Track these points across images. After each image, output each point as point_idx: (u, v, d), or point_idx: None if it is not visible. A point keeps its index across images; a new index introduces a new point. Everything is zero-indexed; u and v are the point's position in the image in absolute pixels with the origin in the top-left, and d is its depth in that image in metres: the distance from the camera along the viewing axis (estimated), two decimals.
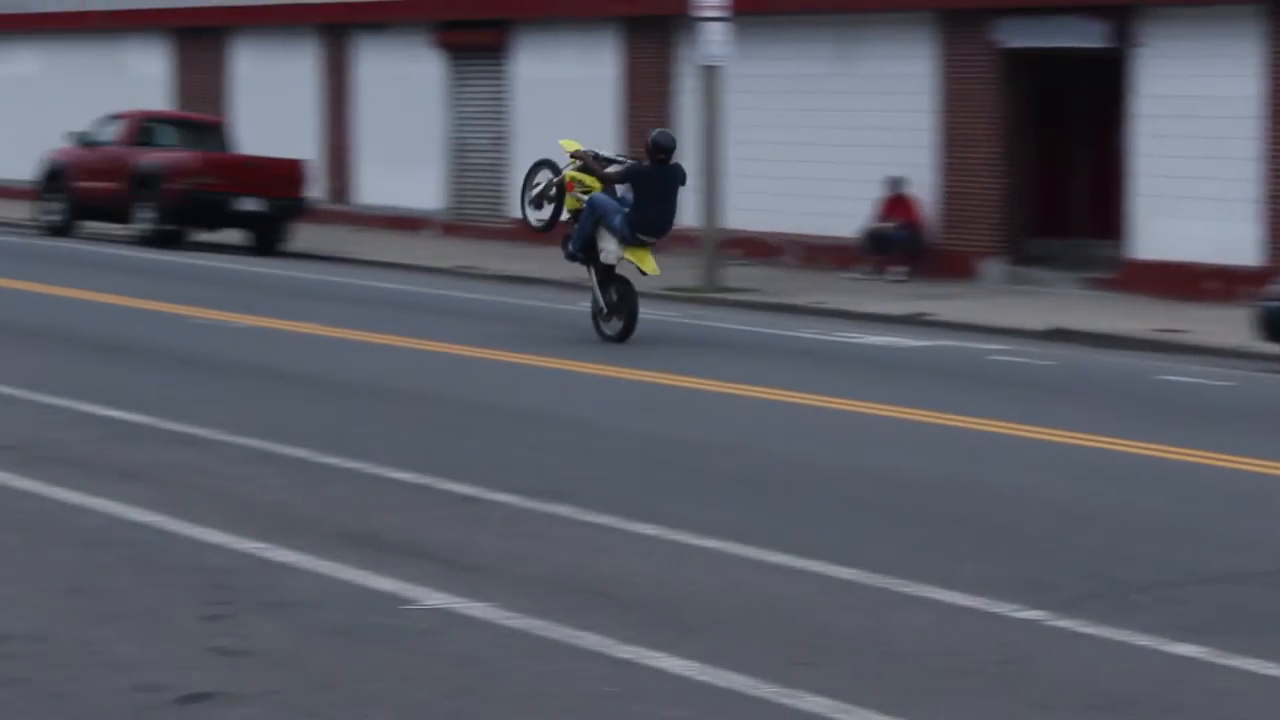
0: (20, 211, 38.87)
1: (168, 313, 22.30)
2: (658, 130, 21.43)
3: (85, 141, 35.84)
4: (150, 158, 34.44)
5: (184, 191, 33.62)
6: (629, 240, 20.51)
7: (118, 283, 25.52)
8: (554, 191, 21.32)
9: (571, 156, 21.22)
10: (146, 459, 12.76)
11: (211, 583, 9.34)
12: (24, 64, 47.33)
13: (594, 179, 20.94)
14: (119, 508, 10.98)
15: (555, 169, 21.44)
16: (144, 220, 34.07)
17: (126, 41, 44.72)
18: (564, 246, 21.30)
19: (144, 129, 36.02)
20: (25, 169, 39.94)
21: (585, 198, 20.86)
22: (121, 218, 34.83)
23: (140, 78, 43.88)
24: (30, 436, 13.45)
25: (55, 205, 36.14)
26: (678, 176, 20.94)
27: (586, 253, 20.83)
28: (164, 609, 8.86)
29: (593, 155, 21.25)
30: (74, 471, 12.09)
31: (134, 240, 34.16)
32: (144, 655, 8.07)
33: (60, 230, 35.76)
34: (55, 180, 36.22)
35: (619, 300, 20.75)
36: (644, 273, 20.80)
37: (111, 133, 35.75)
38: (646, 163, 20.83)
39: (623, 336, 20.64)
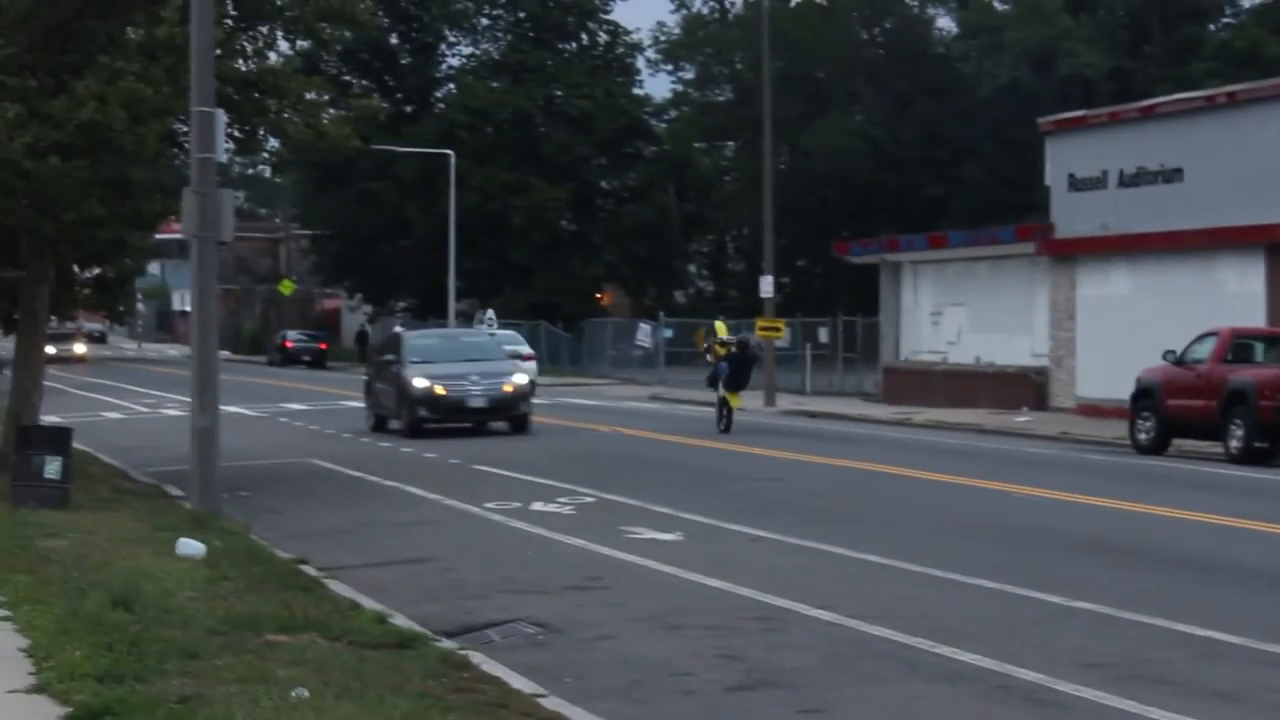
0: (1111, 430, 39.39)
1: (1262, 531, 21.95)
2: (742, 334, 45.61)
3: (1178, 360, 35.99)
4: (1242, 375, 34.19)
5: (1276, 408, 33.11)
6: (728, 388, 40.78)
7: (1209, 502, 25.35)
8: (708, 350, 43.34)
9: (704, 332, 47.34)
10: (1241, 679, 12.53)
11: None
12: (1117, 285, 48.16)
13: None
14: None
15: (712, 332, 44.50)
16: (1236, 437, 33.77)
17: (1219, 259, 44.75)
18: (708, 380, 43.18)
19: (1236, 346, 35.84)
20: (1116, 388, 40.50)
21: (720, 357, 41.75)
22: (1213, 435, 34.66)
23: (1233, 294, 43.75)
24: (1124, 654, 13.49)
25: (1146, 424, 36.41)
26: (750, 360, 42.76)
27: (713, 386, 41.65)
28: None
29: (718, 341, 42.53)
30: (1167, 691, 12.02)
31: (1225, 458, 33.86)
32: None
33: (1150, 449, 35.93)
34: (1147, 399, 36.52)
35: (726, 415, 40.52)
36: (734, 406, 40.73)
37: (1204, 351, 35.75)
38: (735, 351, 41.45)
39: (726, 429, 40.07)
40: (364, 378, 45.31)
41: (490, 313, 72.53)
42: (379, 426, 40.81)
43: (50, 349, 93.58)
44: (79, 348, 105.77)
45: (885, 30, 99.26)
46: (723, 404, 40.66)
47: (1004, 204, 78.55)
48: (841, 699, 12.12)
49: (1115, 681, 12.35)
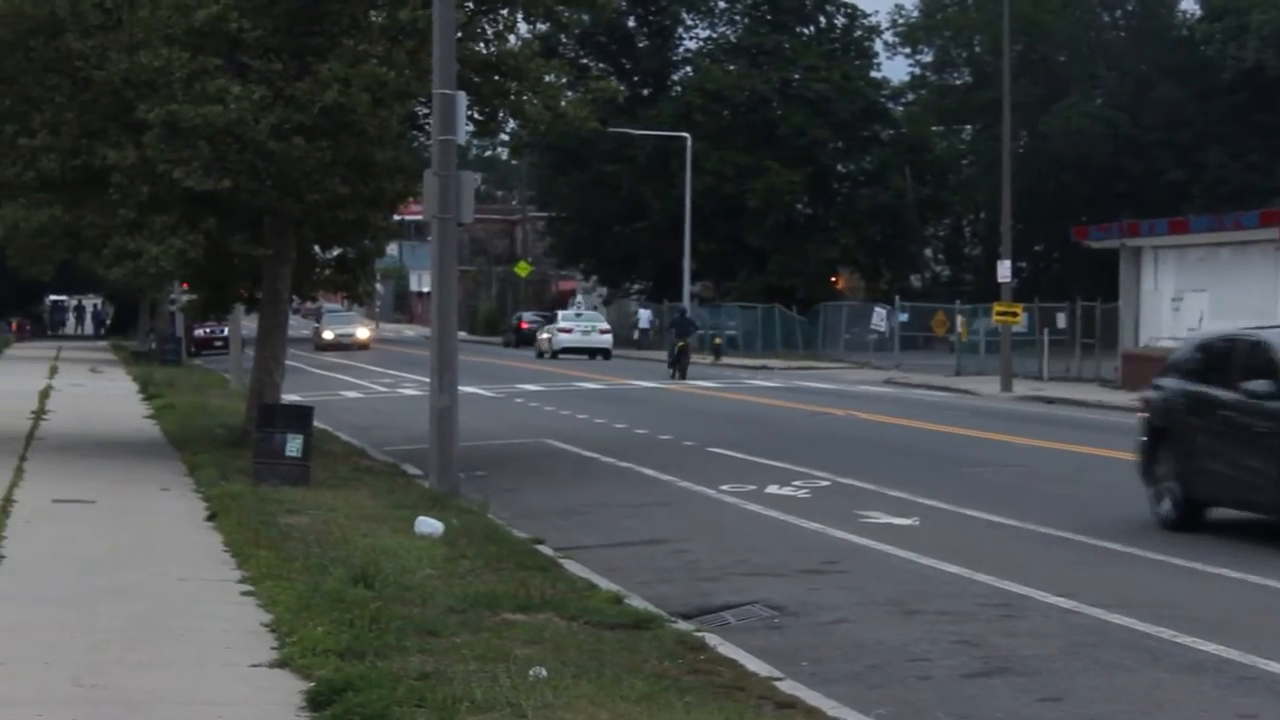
0: None
1: None
2: None
3: None
4: None
5: None
6: None
7: None
8: None
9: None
10: None
11: None
12: None
13: None
14: None
15: None
16: None
17: None
18: None
19: None
20: None
21: None
22: None
23: None
24: None
25: None
26: None
27: None
28: None
29: None
30: None
31: None
32: None
33: None
34: None
35: None
36: None
37: None
38: None
39: None
40: (1141, 418, 22.02)
41: (579, 297, 71.32)
42: (1190, 519, 20.06)
43: (327, 334, 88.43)
44: (362, 332, 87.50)
45: (1127, 12, 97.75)
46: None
47: (1248, 189, 76.96)
48: (1081, 687, 11.94)
49: None
